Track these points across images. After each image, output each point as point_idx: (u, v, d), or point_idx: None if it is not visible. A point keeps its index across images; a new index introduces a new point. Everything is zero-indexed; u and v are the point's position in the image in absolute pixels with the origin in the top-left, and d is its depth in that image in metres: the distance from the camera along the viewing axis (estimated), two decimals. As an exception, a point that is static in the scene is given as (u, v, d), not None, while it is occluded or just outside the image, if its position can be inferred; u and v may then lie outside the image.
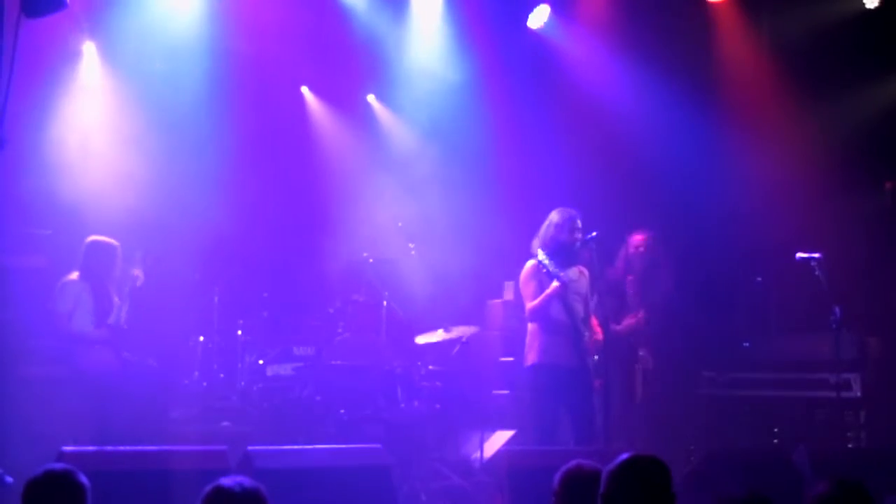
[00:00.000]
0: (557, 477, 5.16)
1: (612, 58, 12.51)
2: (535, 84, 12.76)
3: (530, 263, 9.40)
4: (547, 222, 9.48)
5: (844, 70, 12.13)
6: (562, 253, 9.33)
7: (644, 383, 10.81)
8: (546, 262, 9.12)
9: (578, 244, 9.36)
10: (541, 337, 9.30)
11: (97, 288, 9.94)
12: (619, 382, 10.48)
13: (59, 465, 4.78)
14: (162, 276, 10.67)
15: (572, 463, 5.20)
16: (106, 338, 9.90)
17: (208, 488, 4.39)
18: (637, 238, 11.22)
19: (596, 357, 9.40)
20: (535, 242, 9.42)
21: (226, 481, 4.41)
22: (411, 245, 12.12)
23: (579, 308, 9.32)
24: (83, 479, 4.70)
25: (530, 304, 9.33)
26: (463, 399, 11.34)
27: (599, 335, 9.48)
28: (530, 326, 9.42)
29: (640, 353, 10.93)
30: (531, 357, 9.32)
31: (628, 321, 10.85)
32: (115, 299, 10.04)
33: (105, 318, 9.93)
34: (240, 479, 4.43)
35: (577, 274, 9.47)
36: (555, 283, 9.12)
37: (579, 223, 9.39)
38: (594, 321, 9.56)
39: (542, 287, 9.24)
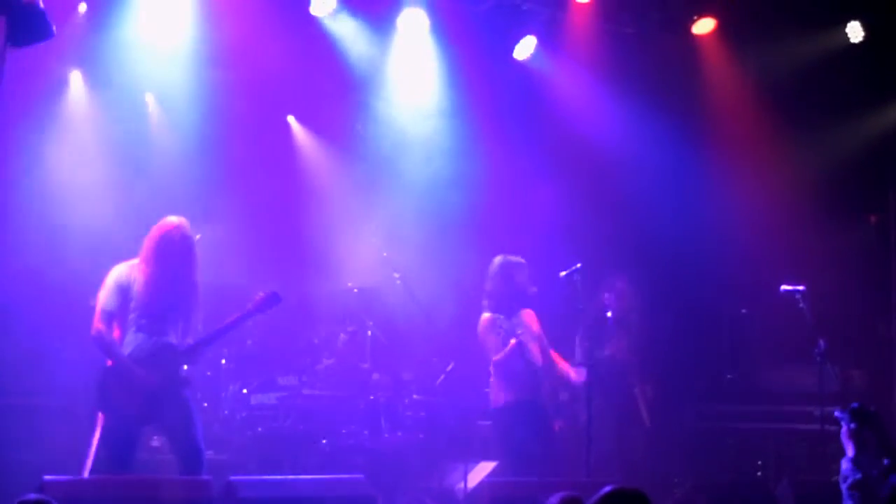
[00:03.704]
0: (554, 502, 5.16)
1: (597, 89, 12.54)
2: (521, 116, 12.78)
3: (486, 316, 9.58)
4: (493, 272, 9.63)
5: (829, 103, 12.20)
6: (507, 300, 9.49)
7: (648, 409, 10.85)
8: (503, 325, 9.39)
9: (522, 291, 9.59)
10: (505, 379, 9.50)
11: (154, 273, 8.16)
12: (609, 413, 10.50)
13: (32, 496, 4.73)
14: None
15: (567, 493, 5.20)
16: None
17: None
18: (616, 284, 11.17)
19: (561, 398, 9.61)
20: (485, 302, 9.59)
21: None
22: (396, 275, 12.11)
23: (537, 353, 9.54)
24: None
25: (495, 358, 9.52)
26: (447, 429, 11.32)
27: (564, 366, 9.64)
28: (493, 370, 9.61)
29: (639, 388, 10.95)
30: (499, 398, 9.49)
31: (610, 348, 10.81)
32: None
33: (148, 316, 8.11)
34: None
35: (527, 317, 9.63)
36: (512, 341, 9.35)
37: (519, 271, 9.63)
38: (555, 355, 9.69)
39: (502, 340, 9.44)
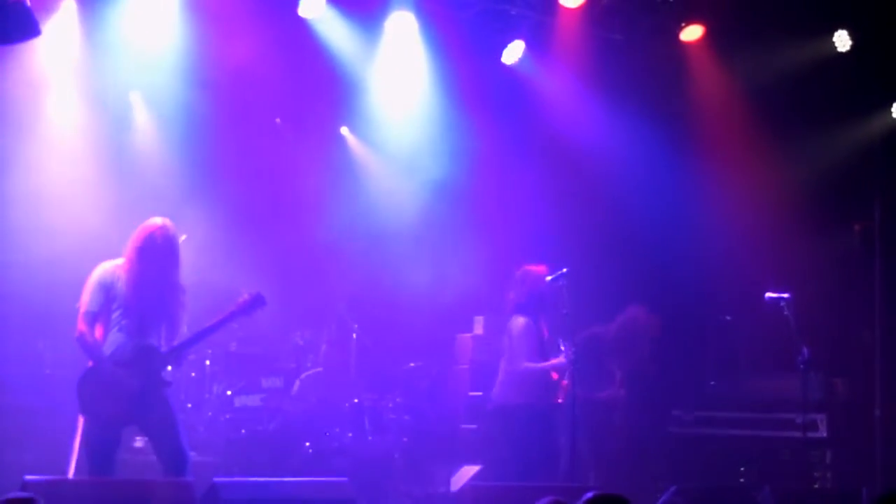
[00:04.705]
0: None
1: (585, 94, 12.55)
2: (509, 120, 12.79)
3: (523, 321, 9.50)
4: (521, 280, 9.62)
5: (816, 111, 12.22)
6: (539, 308, 9.49)
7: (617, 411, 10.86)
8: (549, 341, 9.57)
9: (550, 299, 9.64)
10: (520, 383, 9.55)
11: (137, 274, 8.04)
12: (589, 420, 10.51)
13: (20, 494, 4.73)
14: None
15: (553, 498, 5.19)
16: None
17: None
18: (648, 320, 11.09)
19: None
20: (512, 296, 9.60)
21: None
22: (382, 278, 12.11)
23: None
24: None
25: (530, 366, 9.52)
26: (431, 433, 11.32)
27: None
28: (510, 370, 9.61)
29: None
30: (507, 397, 9.50)
31: (610, 392, 10.77)
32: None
33: (131, 316, 8.03)
34: None
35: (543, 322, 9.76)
36: (563, 358, 9.42)
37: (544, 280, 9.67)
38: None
39: (541, 348, 9.55)
